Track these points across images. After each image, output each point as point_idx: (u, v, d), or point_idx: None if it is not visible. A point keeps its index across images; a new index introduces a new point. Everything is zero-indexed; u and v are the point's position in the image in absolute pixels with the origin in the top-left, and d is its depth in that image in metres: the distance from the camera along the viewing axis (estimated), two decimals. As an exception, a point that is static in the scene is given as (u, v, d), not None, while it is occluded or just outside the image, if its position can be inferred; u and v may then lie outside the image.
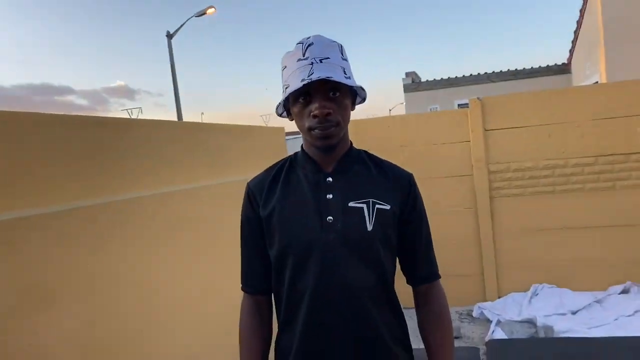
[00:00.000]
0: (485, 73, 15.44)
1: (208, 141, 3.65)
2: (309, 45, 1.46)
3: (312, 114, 1.46)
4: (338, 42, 1.54)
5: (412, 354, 1.66)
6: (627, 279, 5.05)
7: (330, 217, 1.49)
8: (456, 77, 15.69)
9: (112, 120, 2.37)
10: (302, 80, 1.41)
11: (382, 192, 1.56)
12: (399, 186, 1.60)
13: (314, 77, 1.40)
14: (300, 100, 1.48)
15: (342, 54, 1.52)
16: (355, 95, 1.63)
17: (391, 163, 1.69)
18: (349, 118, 1.55)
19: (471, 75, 15.62)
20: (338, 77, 1.43)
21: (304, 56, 1.46)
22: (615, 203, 5.18)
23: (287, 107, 1.58)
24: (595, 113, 5.19)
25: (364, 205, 1.52)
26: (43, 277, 1.85)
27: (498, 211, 5.46)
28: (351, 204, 1.51)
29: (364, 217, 1.50)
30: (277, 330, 1.66)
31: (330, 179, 1.56)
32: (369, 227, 1.49)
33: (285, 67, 1.51)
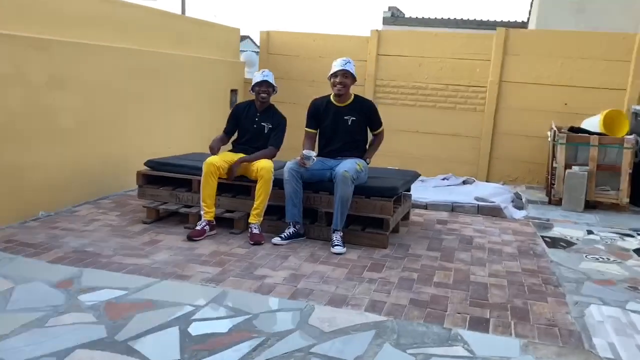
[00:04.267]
0: (455, 19, 17.27)
1: (177, 25, 5.93)
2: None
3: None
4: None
5: None
6: (450, 171, 7.42)
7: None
8: (429, 18, 17.55)
9: None
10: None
11: None
12: None
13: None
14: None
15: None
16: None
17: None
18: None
19: (442, 18, 17.48)
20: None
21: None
22: (453, 119, 7.49)
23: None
24: (452, 53, 7.39)
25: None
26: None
27: (377, 113, 7.73)
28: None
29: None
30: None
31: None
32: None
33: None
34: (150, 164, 4.81)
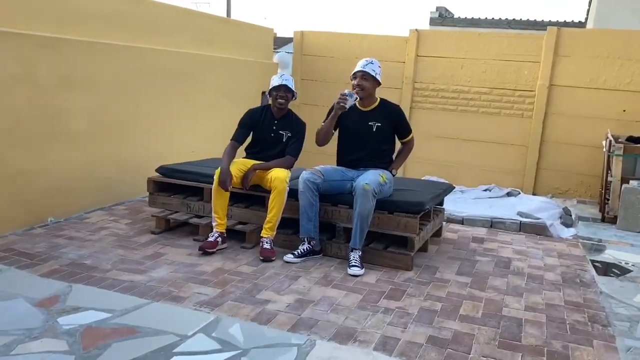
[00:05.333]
0: (506, 19, 16.46)
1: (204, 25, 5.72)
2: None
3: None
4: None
5: None
6: (493, 182, 6.86)
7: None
8: (479, 18, 16.80)
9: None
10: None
11: None
12: None
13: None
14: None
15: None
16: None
17: None
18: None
19: (493, 19, 16.69)
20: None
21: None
22: (498, 125, 6.92)
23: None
24: (497, 55, 6.83)
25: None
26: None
27: (414, 119, 7.26)
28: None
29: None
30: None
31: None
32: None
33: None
34: (162, 170, 4.54)
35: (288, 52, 8.51)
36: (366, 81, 3.94)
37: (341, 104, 3.87)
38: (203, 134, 6.16)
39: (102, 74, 4.83)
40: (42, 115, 4.32)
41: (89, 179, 4.83)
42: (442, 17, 17.37)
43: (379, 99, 4.11)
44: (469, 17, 17.31)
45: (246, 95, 7.02)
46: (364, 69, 3.94)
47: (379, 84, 4.04)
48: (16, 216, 4.21)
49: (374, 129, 4.02)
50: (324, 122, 4.08)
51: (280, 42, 14.08)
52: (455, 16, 18.27)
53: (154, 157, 5.20)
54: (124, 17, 5.10)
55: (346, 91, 3.90)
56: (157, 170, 4.55)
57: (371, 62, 3.99)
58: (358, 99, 3.95)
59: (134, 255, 3.81)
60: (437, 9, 17.87)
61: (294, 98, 4.27)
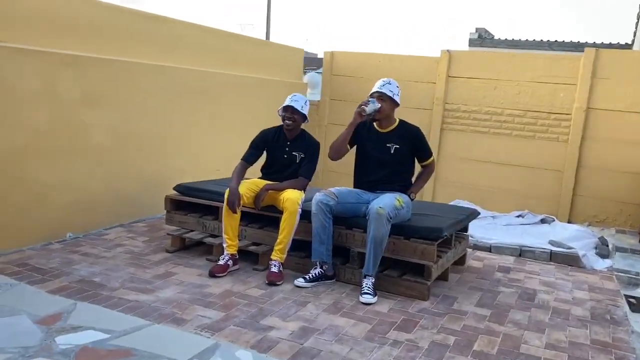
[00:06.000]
0: (547, 41, 16.07)
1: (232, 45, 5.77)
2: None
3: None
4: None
5: None
6: (526, 207, 6.58)
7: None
8: (519, 39, 16.45)
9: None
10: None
11: None
12: None
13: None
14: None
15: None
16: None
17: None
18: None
19: (534, 40, 16.32)
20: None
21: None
22: (532, 149, 6.66)
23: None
24: (531, 76, 6.60)
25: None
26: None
27: (444, 141, 7.08)
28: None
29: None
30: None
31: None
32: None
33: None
34: (179, 188, 4.52)
35: (318, 72, 8.48)
36: (383, 102, 3.83)
37: (362, 106, 3.77)
38: (228, 152, 6.12)
39: (125, 91, 4.87)
40: (63, 130, 4.38)
41: (109, 195, 4.85)
42: (482, 39, 17.12)
43: (398, 120, 3.99)
44: (509, 38, 16.98)
45: (273, 115, 6.96)
46: (381, 90, 3.83)
47: (397, 105, 3.92)
48: (35, 231, 4.25)
49: (392, 151, 3.88)
50: None
51: (319, 63, 14.08)
52: (495, 37, 17.97)
53: (177, 175, 5.20)
54: (149, 36, 5.16)
55: (369, 99, 3.81)
56: (174, 189, 4.54)
57: (389, 83, 3.88)
58: (379, 106, 3.81)
59: (144, 274, 3.77)
60: (477, 30, 17.64)
61: (305, 121, 4.17)
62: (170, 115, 5.39)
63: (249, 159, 4.15)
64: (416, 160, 4.05)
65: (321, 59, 8.11)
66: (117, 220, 4.97)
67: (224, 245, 3.94)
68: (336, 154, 3.96)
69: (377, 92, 3.85)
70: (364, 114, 3.78)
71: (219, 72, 6.00)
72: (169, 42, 5.38)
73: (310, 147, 4.15)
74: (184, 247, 4.40)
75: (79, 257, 4.04)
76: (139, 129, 5.07)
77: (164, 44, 5.32)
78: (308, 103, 4.19)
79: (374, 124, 3.97)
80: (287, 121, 4.08)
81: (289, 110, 4.07)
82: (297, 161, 4.11)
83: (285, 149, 4.14)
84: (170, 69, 5.33)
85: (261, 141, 4.21)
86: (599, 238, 5.50)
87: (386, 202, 3.59)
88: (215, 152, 5.98)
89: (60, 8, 4.33)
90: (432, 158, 4.05)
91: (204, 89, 5.77)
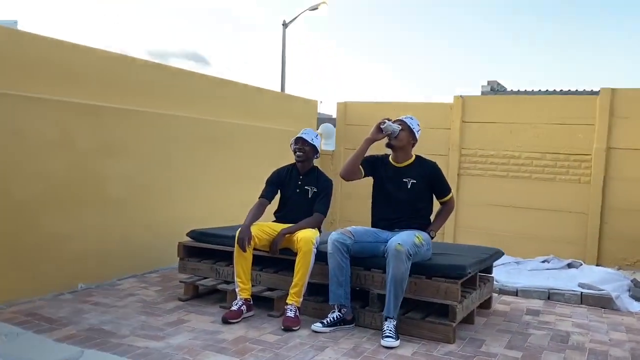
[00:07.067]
0: (561, 90, 16.10)
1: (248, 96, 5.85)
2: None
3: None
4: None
5: None
6: (551, 252, 6.34)
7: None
8: (532, 90, 16.52)
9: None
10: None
11: None
12: None
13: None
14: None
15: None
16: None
17: None
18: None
19: (547, 90, 16.37)
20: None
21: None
22: (553, 192, 6.49)
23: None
24: (548, 118, 6.53)
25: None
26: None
27: (463, 186, 6.96)
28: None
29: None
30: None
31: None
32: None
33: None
34: (192, 234, 4.43)
35: (331, 123, 8.52)
36: (402, 131, 3.76)
37: (381, 125, 3.70)
38: (243, 202, 6.06)
39: (140, 141, 4.89)
40: (78, 180, 4.36)
41: (123, 245, 4.77)
42: (495, 91, 17.22)
43: (414, 156, 3.91)
44: (522, 89, 17.07)
45: (286, 164, 6.96)
46: (403, 119, 3.79)
47: (415, 140, 3.85)
48: (46, 281, 4.16)
49: (409, 186, 3.78)
50: None
51: (333, 123, 14.19)
52: (507, 89, 18.09)
53: (192, 225, 5.09)
54: (164, 87, 5.22)
55: (385, 120, 3.75)
56: (188, 235, 4.45)
57: (411, 118, 3.86)
58: (400, 129, 3.74)
59: (156, 322, 3.62)
60: (489, 83, 17.79)
61: (316, 156, 4.14)
62: (184, 166, 5.38)
63: (267, 195, 4.11)
64: (435, 198, 3.94)
65: (335, 119, 8.17)
66: (130, 271, 4.87)
67: (237, 289, 3.80)
68: (347, 170, 3.83)
69: (398, 119, 3.80)
70: (383, 126, 3.70)
71: (234, 122, 6.03)
72: (183, 93, 5.44)
73: (323, 182, 4.08)
74: (197, 295, 4.26)
75: (89, 306, 3.91)
76: (153, 179, 5.04)
77: (178, 95, 5.38)
78: (319, 137, 4.19)
79: (390, 159, 3.90)
80: (298, 152, 4.05)
81: (300, 142, 4.05)
82: (310, 196, 4.03)
83: (297, 183, 4.09)
84: (184, 118, 5.37)
85: (276, 178, 4.18)
86: (631, 280, 5.23)
87: (405, 239, 3.45)
88: (230, 202, 5.91)
89: (76, 59, 4.42)
90: (451, 194, 3.93)
91: (217, 139, 5.78)
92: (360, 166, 3.86)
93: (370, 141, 3.78)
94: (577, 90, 16.20)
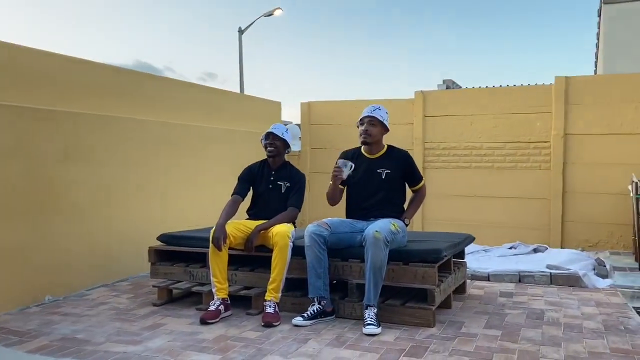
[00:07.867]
0: (515, 85, 16.62)
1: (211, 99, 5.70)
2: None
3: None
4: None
5: None
6: (517, 239, 6.49)
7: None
8: (486, 87, 16.99)
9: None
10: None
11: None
12: None
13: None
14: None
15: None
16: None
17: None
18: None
19: (500, 86, 16.85)
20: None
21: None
22: (515, 180, 6.67)
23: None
24: (506, 109, 6.71)
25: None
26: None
27: (428, 179, 7.02)
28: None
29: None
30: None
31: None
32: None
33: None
34: (163, 238, 4.33)
35: (297, 124, 8.52)
36: (373, 127, 3.79)
37: (337, 175, 3.69)
38: (210, 204, 5.98)
39: (102, 146, 4.76)
40: (39, 187, 4.21)
41: (90, 255, 4.63)
42: (450, 89, 17.61)
43: (386, 146, 3.94)
44: (477, 86, 17.51)
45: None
46: (372, 114, 3.80)
47: (386, 130, 3.88)
48: (11, 295, 3.98)
49: (383, 176, 3.80)
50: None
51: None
52: (462, 87, 18.54)
53: (160, 230, 4.97)
54: (125, 91, 5.11)
55: (339, 161, 3.72)
56: (158, 239, 4.34)
57: (378, 108, 3.85)
58: (353, 167, 3.73)
59: (131, 327, 3.52)
60: (444, 81, 18.19)
61: (287, 150, 4.10)
62: (150, 170, 5.27)
63: (240, 192, 4.03)
64: (407, 186, 3.97)
65: (295, 125, 8.17)
66: (99, 281, 4.72)
67: (213, 290, 3.73)
68: (333, 202, 3.89)
69: (367, 116, 3.81)
70: (341, 176, 3.70)
71: (198, 125, 5.95)
72: (149, 97, 5.34)
73: (295, 176, 4.06)
74: (172, 299, 4.17)
75: (59, 317, 3.77)
76: (119, 186, 4.91)
77: (143, 99, 5.27)
78: (289, 132, 4.15)
79: (362, 150, 3.91)
80: (269, 147, 4.01)
81: (270, 137, 4.02)
82: (283, 191, 4.00)
83: (270, 179, 4.05)
84: (151, 123, 5.26)
85: (247, 174, 4.12)
86: (595, 259, 5.40)
87: (382, 226, 3.46)
88: (196, 205, 5.82)
89: (31, 63, 4.27)
90: (422, 182, 3.98)
91: (182, 142, 5.69)
92: (340, 186, 3.89)
93: (338, 182, 3.78)
94: (529, 84, 16.73)
